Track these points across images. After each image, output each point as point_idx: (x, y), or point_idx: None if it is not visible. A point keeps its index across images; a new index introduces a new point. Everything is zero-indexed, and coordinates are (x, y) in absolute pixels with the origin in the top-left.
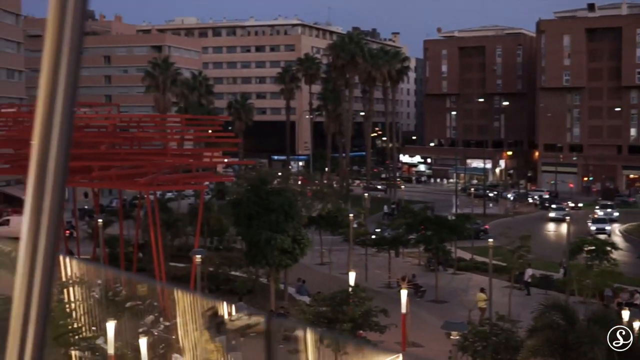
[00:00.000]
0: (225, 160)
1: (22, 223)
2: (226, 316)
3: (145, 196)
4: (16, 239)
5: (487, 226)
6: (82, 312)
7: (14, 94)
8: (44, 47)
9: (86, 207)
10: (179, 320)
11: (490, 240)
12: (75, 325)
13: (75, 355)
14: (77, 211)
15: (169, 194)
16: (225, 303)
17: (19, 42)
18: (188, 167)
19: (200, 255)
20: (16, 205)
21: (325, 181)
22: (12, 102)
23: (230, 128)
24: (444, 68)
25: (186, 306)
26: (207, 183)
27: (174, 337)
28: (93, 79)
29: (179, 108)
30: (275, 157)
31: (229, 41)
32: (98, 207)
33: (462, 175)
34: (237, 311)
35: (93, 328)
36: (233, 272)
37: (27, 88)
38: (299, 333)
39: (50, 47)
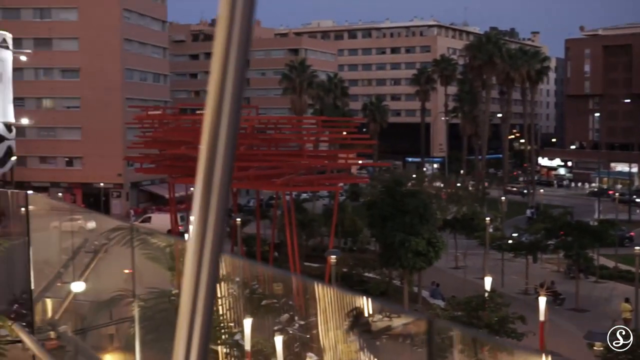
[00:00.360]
0: (360, 161)
1: (163, 220)
2: (370, 316)
3: (282, 196)
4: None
5: (632, 233)
6: (226, 307)
7: (159, 97)
8: (213, 51)
9: None
10: (319, 317)
11: (637, 248)
12: (220, 321)
13: (220, 350)
14: None
15: (304, 195)
16: (369, 301)
17: (164, 47)
18: (323, 169)
19: (334, 256)
20: (159, 203)
21: (460, 184)
22: (158, 105)
23: (364, 130)
24: (587, 68)
25: (327, 304)
26: (341, 184)
27: (308, 336)
28: None
29: (315, 110)
30: (410, 159)
31: (364, 43)
32: (236, 207)
33: (605, 179)
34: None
35: (231, 324)
36: (366, 274)
37: (171, 91)
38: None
39: (219, 52)
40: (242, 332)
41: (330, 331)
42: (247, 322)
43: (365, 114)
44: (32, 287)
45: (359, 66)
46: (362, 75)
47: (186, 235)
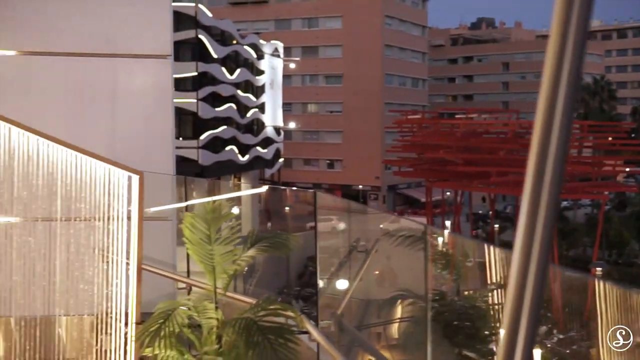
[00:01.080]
0: (628, 169)
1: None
2: None
3: None
4: None
5: None
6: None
7: (417, 101)
8: (546, 57)
9: (480, 211)
10: (601, 326)
11: None
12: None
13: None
14: (472, 215)
15: (564, 203)
16: None
17: (423, 52)
18: (587, 176)
19: (600, 268)
20: (415, 206)
21: None
22: (416, 109)
23: (634, 135)
24: None
25: (606, 314)
26: (607, 193)
27: (568, 351)
28: (490, 85)
29: (579, 114)
30: None
31: (635, 43)
32: (494, 212)
33: None
34: None
35: (486, 332)
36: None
37: (429, 95)
38: None
39: (553, 57)
40: (497, 342)
41: (604, 348)
42: (502, 332)
43: (635, 118)
44: (319, 281)
45: (628, 67)
46: (631, 77)
47: (439, 239)
